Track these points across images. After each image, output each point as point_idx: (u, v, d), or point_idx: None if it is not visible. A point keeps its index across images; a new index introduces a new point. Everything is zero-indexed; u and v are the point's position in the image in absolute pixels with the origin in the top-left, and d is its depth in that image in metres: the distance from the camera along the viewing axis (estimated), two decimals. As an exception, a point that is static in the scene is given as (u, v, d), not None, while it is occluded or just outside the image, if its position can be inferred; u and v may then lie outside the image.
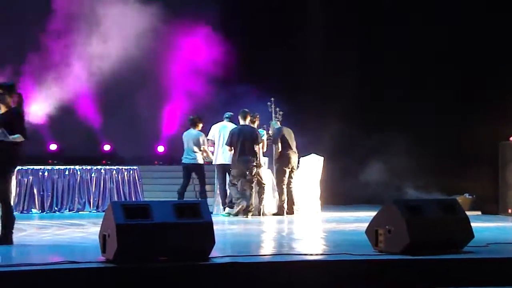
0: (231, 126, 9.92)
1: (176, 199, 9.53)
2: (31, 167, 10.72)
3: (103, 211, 8.46)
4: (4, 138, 5.73)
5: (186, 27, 12.90)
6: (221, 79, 12.72)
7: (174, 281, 4.49)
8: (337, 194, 11.98)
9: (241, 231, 7.61)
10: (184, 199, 9.93)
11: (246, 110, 9.81)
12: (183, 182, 10.24)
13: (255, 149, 9.44)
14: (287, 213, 9.95)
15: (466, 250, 5.27)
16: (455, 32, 12.12)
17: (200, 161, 10.16)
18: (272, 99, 10.64)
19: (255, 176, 9.51)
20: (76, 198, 10.71)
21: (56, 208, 10.61)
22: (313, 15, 13.14)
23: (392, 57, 12.31)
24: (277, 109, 10.59)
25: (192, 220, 4.76)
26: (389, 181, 11.48)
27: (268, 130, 10.41)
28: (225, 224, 8.38)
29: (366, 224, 5.45)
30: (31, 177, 10.58)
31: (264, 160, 10.25)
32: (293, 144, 10.11)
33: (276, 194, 10.11)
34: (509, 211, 9.68)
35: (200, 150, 10.15)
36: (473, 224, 5.39)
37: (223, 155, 9.94)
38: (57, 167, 11.02)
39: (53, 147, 13.16)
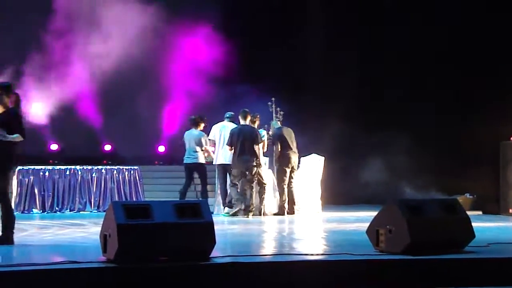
0: (231, 126, 9.92)
1: (177, 199, 9.52)
2: (32, 167, 10.73)
3: (104, 211, 8.45)
4: (2, 138, 5.74)
5: (187, 27, 12.91)
6: (221, 79, 12.73)
7: (175, 281, 4.49)
8: (338, 194, 11.98)
9: (242, 231, 7.61)
10: (185, 199, 9.93)
11: (247, 110, 9.82)
12: (185, 182, 10.23)
13: (255, 149, 9.44)
14: (288, 213, 9.95)
15: (467, 250, 5.27)
16: (455, 32, 12.12)
17: (202, 160, 10.17)
18: (273, 99, 10.64)
19: (255, 176, 9.51)
20: (77, 198, 10.71)
21: (57, 208, 10.61)
22: (313, 15, 13.15)
23: (392, 57, 12.32)
24: (278, 109, 10.59)
25: (192, 220, 4.76)
26: (389, 181, 11.48)
27: (269, 130, 10.42)
28: (225, 224, 8.38)
29: (367, 224, 5.45)
30: (32, 177, 10.58)
31: (265, 160, 10.25)
32: (293, 144, 10.10)
33: (277, 194, 10.11)
34: (510, 211, 9.67)
35: (202, 150, 10.15)
36: (474, 224, 5.39)
37: (223, 155, 9.94)
38: (58, 167, 11.03)
39: (54, 147, 13.16)
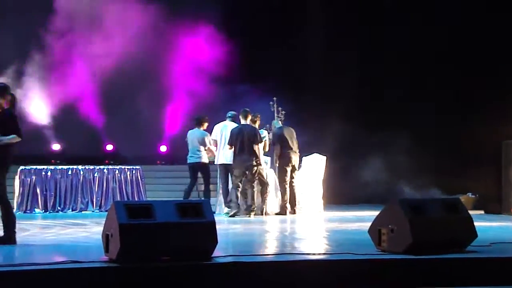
0: (233, 125, 9.92)
1: (179, 199, 9.53)
2: (34, 167, 10.75)
3: (106, 211, 8.48)
4: None
5: (188, 27, 12.92)
6: (223, 79, 12.73)
7: (177, 280, 4.50)
8: (339, 194, 11.98)
9: (244, 231, 7.62)
10: (188, 199, 9.93)
11: (247, 109, 9.82)
12: (190, 182, 10.23)
13: (254, 148, 9.43)
14: (289, 213, 9.95)
15: (469, 250, 5.26)
16: (455, 32, 12.12)
17: (205, 160, 10.17)
18: (275, 98, 10.64)
19: (256, 176, 9.51)
20: (79, 198, 10.73)
21: (59, 208, 10.63)
22: (314, 15, 13.15)
23: (392, 57, 12.32)
24: (279, 108, 10.59)
25: (194, 220, 4.76)
26: (391, 180, 11.48)
27: (270, 129, 10.41)
28: (227, 224, 8.38)
29: (369, 224, 5.45)
30: (34, 177, 10.60)
31: (266, 160, 10.25)
32: (293, 143, 10.08)
33: (279, 193, 10.11)
34: (512, 210, 9.67)
35: (205, 150, 10.15)
36: (476, 224, 5.38)
37: (225, 154, 9.94)
38: (60, 167, 11.05)
39: (56, 147, 13.18)
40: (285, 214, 9.88)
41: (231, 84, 12.39)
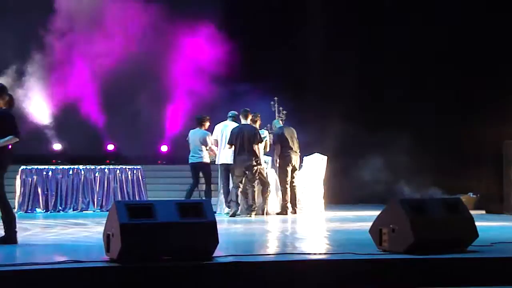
0: (233, 125, 9.92)
1: (179, 199, 9.53)
2: (35, 166, 10.76)
3: (107, 211, 8.47)
4: None
5: (189, 27, 12.92)
6: (224, 78, 12.74)
7: (178, 280, 4.50)
8: (340, 194, 11.98)
9: (245, 231, 7.62)
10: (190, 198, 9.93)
11: (247, 109, 9.82)
12: (192, 182, 10.23)
13: (254, 148, 9.42)
14: (290, 213, 9.94)
15: (470, 250, 5.26)
16: (455, 32, 12.12)
17: (207, 160, 10.17)
18: (276, 98, 10.64)
19: (256, 175, 9.50)
20: (80, 198, 10.73)
21: (60, 208, 10.63)
22: (314, 15, 13.15)
23: (393, 57, 12.31)
24: (280, 108, 10.59)
25: (195, 220, 4.76)
26: (392, 180, 11.48)
27: (271, 129, 10.41)
28: (228, 224, 8.38)
29: (370, 223, 5.44)
30: (35, 177, 10.61)
31: (267, 160, 10.25)
32: (294, 143, 10.06)
33: (280, 193, 10.11)
34: (513, 210, 9.66)
35: (207, 149, 10.15)
36: (477, 224, 5.38)
37: (225, 154, 9.94)
38: (61, 166, 11.06)
39: (57, 146, 13.18)
40: (286, 214, 9.88)
41: (232, 83, 12.39)
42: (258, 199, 9.67)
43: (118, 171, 11.02)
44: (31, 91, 12.50)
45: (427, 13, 12.43)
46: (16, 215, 6.01)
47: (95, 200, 10.81)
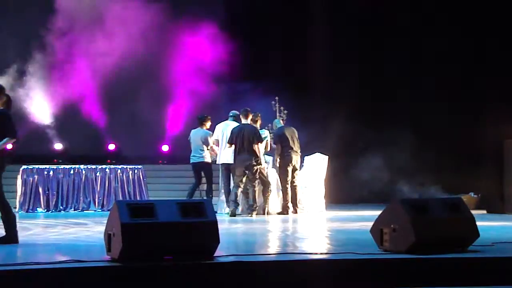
0: (234, 125, 9.92)
1: (180, 198, 9.53)
2: (37, 166, 10.77)
3: (108, 210, 8.49)
4: None
5: (190, 26, 12.93)
6: (225, 78, 12.74)
7: (179, 280, 4.49)
8: (341, 193, 11.98)
9: (246, 230, 7.62)
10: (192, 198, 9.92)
11: (248, 109, 9.82)
12: (195, 181, 10.23)
13: (254, 148, 9.42)
14: (291, 212, 9.94)
15: (471, 249, 5.25)
16: (456, 32, 12.12)
17: (208, 159, 10.17)
18: (277, 98, 10.64)
19: (257, 175, 9.50)
20: (81, 197, 10.74)
21: (61, 207, 10.64)
22: (316, 15, 13.16)
23: (394, 57, 12.31)
24: (281, 108, 10.59)
25: (197, 219, 4.75)
26: (393, 180, 11.48)
27: (272, 129, 10.40)
28: (229, 223, 8.38)
29: (371, 223, 5.44)
30: (36, 176, 10.62)
31: (268, 159, 10.24)
32: (295, 143, 10.04)
33: (281, 193, 10.10)
34: (515, 210, 9.65)
35: (208, 149, 10.15)
36: (478, 223, 5.37)
37: (226, 154, 9.93)
38: (62, 166, 11.07)
39: (58, 146, 13.20)
40: (287, 213, 9.87)
41: (233, 83, 12.39)
42: (259, 198, 9.67)
43: (119, 171, 11.02)
44: (32, 91, 12.52)
45: (427, 13, 12.42)
46: (15, 214, 6.00)
47: (96, 199, 10.82)
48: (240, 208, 9.82)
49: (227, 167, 9.98)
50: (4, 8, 12.78)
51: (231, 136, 9.57)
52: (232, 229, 7.65)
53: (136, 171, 11.11)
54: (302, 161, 10.40)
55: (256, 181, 9.56)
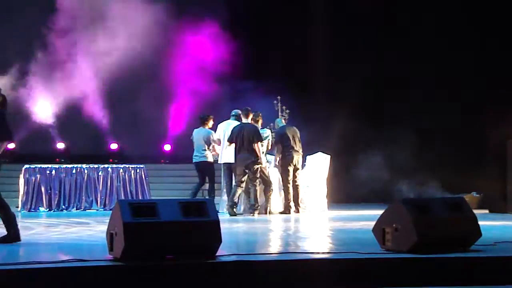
0: (235, 124, 9.92)
1: (182, 197, 9.53)
2: (39, 165, 10.79)
3: (110, 210, 8.48)
4: None
5: (193, 25, 12.93)
6: (227, 77, 12.74)
7: (181, 279, 4.50)
8: (344, 193, 11.97)
9: (248, 230, 7.62)
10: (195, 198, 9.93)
11: (248, 108, 9.82)
12: (198, 181, 10.23)
13: (254, 147, 9.41)
14: (293, 212, 9.94)
15: (473, 249, 5.25)
16: (457, 32, 12.10)
17: (210, 159, 10.17)
18: (279, 97, 10.63)
19: (257, 174, 9.49)
20: (83, 197, 10.75)
21: (63, 207, 10.65)
22: (318, 15, 13.16)
23: (395, 56, 12.30)
24: (283, 107, 10.58)
25: (198, 219, 4.76)
26: (395, 179, 11.47)
27: (274, 128, 10.40)
28: (231, 223, 8.38)
29: (373, 223, 5.44)
30: (38, 176, 10.62)
31: (270, 159, 10.24)
32: (296, 143, 10.01)
33: (283, 192, 10.10)
34: (517, 209, 9.64)
35: (209, 149, 10.15)
36: (480, 223, 5.37)
37: (228, 154, 9.93)
38: (64, 165, 11.08)
39: (60, 145, 13.21)
40: (289, 213, 9.87)
41: (235, 82, 12.39)
42: (260, 198, 9.66)
43: (121, 170, 11.03)
44: (34, 90, 12.54)
45: (428, 13, 12.42)
46: (14, 213, 5.98)
47: (98, 199, 10.83)
48: (242, 207, 9.82)
49: (229, 167, 9.98)
50: (6, 7, 12.79)
51: (231, 135, 9.58)
52: (234, 229, 7.65)
53: (138, 171, 11.12)
54: (304, 160, 10.39)
55: (257, 181, 9.55)
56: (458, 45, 12.13)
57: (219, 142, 10.15)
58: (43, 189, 10.59)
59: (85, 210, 10.68)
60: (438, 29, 12.23)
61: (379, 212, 5.55)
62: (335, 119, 12.04)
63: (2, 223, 5.91)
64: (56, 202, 10.62)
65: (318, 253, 5.23)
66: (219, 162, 10.22)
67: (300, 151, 10.10)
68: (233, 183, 9.89)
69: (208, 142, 10.14)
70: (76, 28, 12.55)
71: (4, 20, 12.55)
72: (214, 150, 10.21)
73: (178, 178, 12.94)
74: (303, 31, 13.00)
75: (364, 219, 8.53)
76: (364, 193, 11.91)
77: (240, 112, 10.16)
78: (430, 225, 5.10)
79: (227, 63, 12.76)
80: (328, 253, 5.31)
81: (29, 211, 10.42)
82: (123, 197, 10.69)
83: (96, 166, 11.00)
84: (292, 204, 9.94)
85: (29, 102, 12.45)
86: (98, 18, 12.36)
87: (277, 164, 10.11)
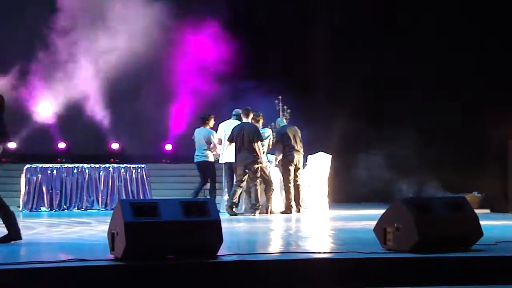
0: (236, 123, 9.92)
1: (183, 197, 9.53)
2: (40, 165, 10.79)
3: (112, 209, 8.50)
4: None
5: (194, 25, 12.93)
6: (228, 77, 12.74)
7: (182, 279, 4.50)
8: (345, 192, 11.97)
9: (249, 229, 7.62)
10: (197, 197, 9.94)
11: (249, 108, 9.82)
12: (200, 180, 10.23)
13: (254, 146, 9.41)
14: (295, 211, 9.94)
15: (475, 248, 5.25)
16: (457, 31, 12.09)
17: (211, 158, 10.17)
18: (280, 97, 10.63)
19: (257, 174, 9.49)
20: (84, 196, 10.76)
21: (64, 206, 10.66)
22: (319, 15, 13.15)
23: (396, 56, 12.29)
24: (285, 107, 10.58)
25: (200, 218, 4.76)
26: (397, 179, 11.47)
27: (275, 128, 10.40)
28: (233, 222, 8.39)
29: (374, 222, 5.44)
30: (40, 175, 10.63)
31: (271, 159, 10.24)
32: (297, 142, 10.01)
33: (284, 192, 10.10)
34: (518, 209, 9.63)
35: (210, 148, 10.16)
36: (482, 222, 5.36)
37: (229, 153, 9.94)
38: (65, 165, 11.09)
39: (61, 145, 13.22)
40: (290, 212, 9.87)
41: (236, 82, 12.39)
42: (261, 198, 9.66)
43: (122, 170, 11.03)
44: (36, 90, 12.54)
45: (428, 13, 12.41)
46: (13, 212, 5.97)
47: (100, 198, 10.83)
48: (243, 207, 9.82)
49: (230, 166, 9.99)
50: (7, 7, 12.79)
51: (232, 134, 9.59)
52: (235, 228, 7.66)
53: (139, 170, 11.13)
54: (305, 160, 10.39)
55: (258, 180, 9.55)
56: (458, 45, 12.12)
57: (220, 142, 10.15)
58: (44, 188, 10.59)
59: (87, 209, 10.69)
60: (438, 29, 12.23)
61: (380, 211, 5.55)
62: (336, 119, 12.04)
63: (2, 223, 5.91)
64: (57, 201, 10.63)
65: (319, 252, 5.23)
66: (220, 161, 10.22)
67: (301, 150, 10.10)
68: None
69: (208, 141, 10.15)
70: (77, 28, 12.55)
71: (5, 20, 12.56)
72: (215, 150, 10.21)
73: (179, 178, 12.95)
74: (305, 31, 13.00)
75: (365, 218, 8.53)
76: (365, 193, 11.91)
77: (240, 111, 10.16)
78: (431, 224, 5.10)
79: (228, 63, 12.76)
80: (329, 252, 5.31)
81: (30, 210, 10.43)
82: (124, 197, 10.69)
83: (97, 165, 11.01)
84: (293, 203, 9.94)
85: (30, 102, 12.46)
86: (99, 18, 12.36)
87: (278, 163, 10.11)
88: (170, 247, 4.69)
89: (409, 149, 11.33)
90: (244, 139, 9.44)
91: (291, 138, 9.97)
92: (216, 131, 10.23)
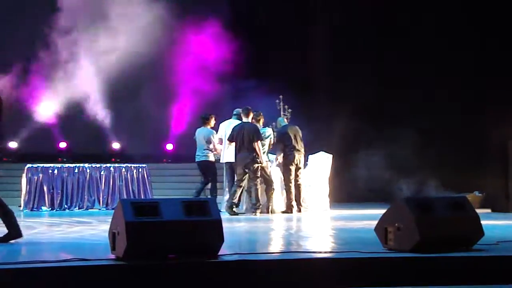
0: (237, 123, 9.93)
1: (184, 197, 9.54)
2: (41, 165, 10.80)
3: (113, 209, 8.50)
4: None
5: (195, 25, 12.94)
6: (230, 77, 12.75)
7: (183, 278, 4.50)
8: (346, 192, 11.98)
9: (250, 229, 7.62)
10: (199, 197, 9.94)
11: (249, 107, 9.83)
12: (202, 180, 10.24)
13: (254, 146, 9.41)
14: (295, 211, 9.94)
15: (476, 248, 5.25)
16: (457, 31, 12.09)
17: (211, 158, 10.18)
18: (281, 96, 10.64)
19: (258, 173, 9.49)
20: (85, 196, 10.76)
21: (65, 206, 10.66)
22: (320, 15, 13.15)
23: (397, 56, 12.29)
24: (286, 106, 10.58)
25: (201, 218, 4.76)
26: (397, 179, 11.46)
27: (276, 127, 10.41)
28: (234, 222, 8.39)
29: (375, 222, 5.44)
30: (41, 175, 10.64)
31: (272, 158, 10.24)
32: (297, 142, 10.01)
33: (285, 191, 10.10)
34: (519, 208, 9.63)
35: (211, 148, 10.16)
36: (483, 222, 5.36)
37: (230, 153, 9.94)
38: (66, 165, 11.09)
39: (62, 145, 13.23)
40: (291, 212, 9.87)
41: (237, 82, 12.40)
42: (262, 197, 9.67)
43: (123, 170, 11.04)
44: (37, 89, 12.55)
45: (429, 13, 12.41)
46: (12, 210, 5.97)
47: (101, 198, 10.84)
48: (244, 206, 9.82)
49: (231, 166, 9.99)
50: (7, 7, 12.80)
51: (232, 134, 9.60)
52: (236, 228, 7.66)
53: (140, 170, 11.13)
54: (306, 159, 10.39)
55: (258, 180, 9.56)
56: (458, 45, 12.12)
57: (221, 141, 10.16)
58: (45, 188, 10.60)
59: (88, 209, 10.70)
60: (438, 29, 12.22)
61: (381, 211, 5.54)
62: (337, 119, 12.04)
63: (2, 222, 5.91)
64: (58, 201, 10.64)
65: (320, 252, 5.23)
66: (221, 161, 10.23)
67: (302, 150, 10.10)
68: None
69: (209, 141, 10.15)
70: (78, 27, 12.56)
71: (6, 20, 12.57)
72: (215, 150, 10.21)
73: (180, 178, 12.95)
74: (306, 30, 13.00)
75: (366, 218, 8.53)
76: (366, 193, 11.91)
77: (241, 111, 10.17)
78: (432, 224, 5.09)
79: (229, 63, 12.77)
80: (330, 252, 5.31)
81: (31, 210, 10.44)
82: (125, 197, 10.70)
83: (98, 165, 11.01)
84: (294, 203, 9.95)
85: (31, 102, 12.47)
86: (100, 17, 12.37)
87: (279, 163, 10.11)
88: (171, 246, 4.69)
89: (409, 149, 11.33)
90: (244, 139, 9.44)
91: (292, 137, 9.97)
92: (217, 131, 10.24)
